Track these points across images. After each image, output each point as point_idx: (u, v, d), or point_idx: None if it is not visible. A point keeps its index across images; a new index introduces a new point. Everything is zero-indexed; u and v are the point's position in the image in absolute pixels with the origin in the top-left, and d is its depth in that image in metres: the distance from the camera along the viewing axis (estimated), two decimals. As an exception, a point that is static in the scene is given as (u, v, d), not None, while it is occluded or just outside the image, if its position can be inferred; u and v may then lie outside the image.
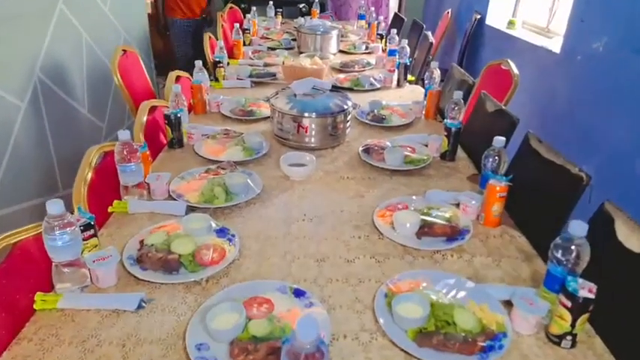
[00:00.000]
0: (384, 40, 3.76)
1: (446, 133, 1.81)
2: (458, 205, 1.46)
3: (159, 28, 4.38)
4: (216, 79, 2.65)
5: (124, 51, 2.66)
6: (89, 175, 1.36)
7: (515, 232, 1.37)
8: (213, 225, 1.27)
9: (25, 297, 1.02)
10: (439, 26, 5.02)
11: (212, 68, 2.64)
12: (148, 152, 1.47)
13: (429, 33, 3.49)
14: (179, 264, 1.12)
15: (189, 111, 2.25)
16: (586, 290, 0.90)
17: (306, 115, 1.82)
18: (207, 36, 3.19)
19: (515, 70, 2.55)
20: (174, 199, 1.44)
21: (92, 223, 1.11)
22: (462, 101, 1.78)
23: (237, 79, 2.71)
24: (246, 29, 3.68)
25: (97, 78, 3.09)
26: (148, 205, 1.38)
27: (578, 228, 0.95)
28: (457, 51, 4.66)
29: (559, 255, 0.97)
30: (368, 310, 1.05)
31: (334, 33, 3.49)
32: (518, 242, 1.33)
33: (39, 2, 2.48)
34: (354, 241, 1.31)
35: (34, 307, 1.02)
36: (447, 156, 1.83)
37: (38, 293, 1.03)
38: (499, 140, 1.43)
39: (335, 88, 2.01)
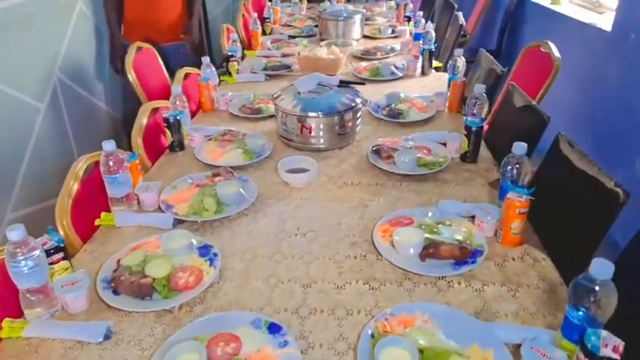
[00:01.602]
0: (410, 23, 3.52)
1: (466, 132, 1.62)
2: (474, 218, 1.29)
3: (113, 59, 2.85)
4: (230, 74, 2.55)
5: (140, 48, 2.61)
6: (75, 187, 1.30)
7: (540, 253, 1.19)
8: (195, 242, 1.18)
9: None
10: (477, 4, 4.67)
11: (220, 63, 2.54)
12: (137, 161, 1.39)
13: (460, 14, 3.22)
14: (152, 289, 1.04)
15: (198, 109, 2.18)
16: (610, 348, 0.73)
17: (310, 114, 1.68)
18: (224, 27, 3.09)
19: (557, 53, 2.28)
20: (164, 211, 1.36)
21: (62, 245, 1.04)
22: (485, 96, 1.58)
23: (251, 72, 2.60)
24: (267, 18, 3.55)
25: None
26: (134, 219, 1.31)
27: (601, 268, 0.77)
28: (496, 31, 4.31)
29: (578, 298, 0.80)
30: (351, 351, 0.92)
31: (357, 18, 3.29)
32: (542, 267, 1.15)
33: (57, 2, 2.46)
34: (348, 261, 1.18)
35: (0, 334, 0.97)
36: (468, 157, 1.64)
37: (6, 320, 0.98)
38: (520, 146, 1.24)
39: (343, 83, 1.85)
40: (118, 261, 1.12)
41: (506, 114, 1.80)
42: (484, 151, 1.71)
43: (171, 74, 2.48)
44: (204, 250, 1.17)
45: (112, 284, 1.06)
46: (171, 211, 1.34)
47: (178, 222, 1.32)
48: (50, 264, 1.02)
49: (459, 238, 1.20)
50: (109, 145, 1.26)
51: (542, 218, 1.27)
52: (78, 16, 2.63)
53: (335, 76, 1.89)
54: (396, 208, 1.38)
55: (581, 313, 0.80)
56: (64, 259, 1.05)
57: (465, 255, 1.15)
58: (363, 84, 1.96)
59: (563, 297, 1.04)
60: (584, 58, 2.96)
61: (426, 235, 1.19)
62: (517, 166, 1.25)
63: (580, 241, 1.15)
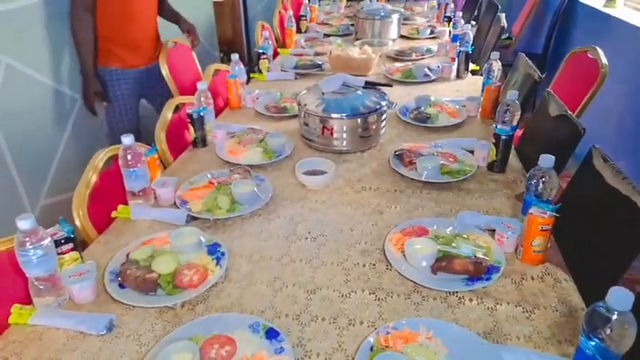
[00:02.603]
0: (450, 24, 3.41)
1: (494, 141, 1.54)
2: (495, 231, 1.22)
3: (85, 96, 2.25)
4: (260, 71, 2.56)
5: (175, 42, 2.66)
6: (93, 179, 1.33)
7: (562, 274, 1.11)
8: (204, 240, 1.18)
9: (5, 308, 1.01)
10: (525, 5, 4.47)
11: (256, 60, 2.55)
12: (155, 156, 1.42)
13: (503, 15, 3.08)
14: (156, 285, 1.05)
15: (226, 106, 2.19)
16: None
17: (332, 115, 1.65)
18: (259, 24, 3.10)
19: (604, 60, 2.14)
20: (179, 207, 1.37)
21: (72, 236, 1.07)
22: (517, 103, 1.50)
23: (282, 70, 2.59)
24: (303, 15, 3.54)
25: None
26: (149, 213, 1.33)
27: (619, 297, 0.70)
28: (543, 34, 4.11)
29: (592, 328, 0.73)
30: (348, 364, 0.89)
31: (395, 17, 3.23)
32: (563, 289, 1.07)
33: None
34: (357, 269, 1.14)
35: (9, 320, 1.00)
36: (495, 167, 1.56)
37: (15, 305, 1.02)
38: (547, 159, 1.15)
39: (369, 85, 1.81)
40: (127, 255, 1.13)
41: (540, 122, 1.70)
42: (514, 161, 1.62)
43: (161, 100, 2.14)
44: (213, 249, 1.17)
45: (119, 277, 1.07)
46: (185, 207, 1.35)
47: (192, 218, 1.33)
48: (60, 254, 1.05)
49: (476, 252, 1.14)
50: (128, 139, 1.28)
51: (568, 236, 1.19)
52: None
53: (361, 77, 1.84)
54: (412, 217, 1.34)
55: (593, 343, 0.74)
56: (73, 249, 1.07)
57: (479, 271, 1.09)
58: (390, 86, 1.91)
59: (583, 324, 0.97)
60: (636, 66, 2.76)
61: (440, 248, 1.14)
62: (543, 179, 1.17)
63: (607, 264, 1.06)
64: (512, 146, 1.60)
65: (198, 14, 3.85)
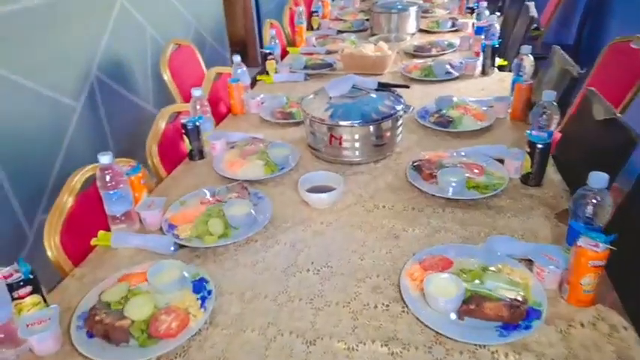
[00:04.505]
0: (474, 15, 3.17)
1: (529, 150, 1.33)
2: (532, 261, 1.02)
3: None
4: (267, 73, 2.39)
5: (178, 45, 2.52)
6: (69, 202, 1.18)
7: (619, 319, 0.90)
8: (188, 276, 1.01)
9: None
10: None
11: (262, 60, 2.38)
12: (140, 175, 1.26)
13: (532, 4, 2.82)
14: (128, 334, 0.89)
15: (228, 112, 2.03)
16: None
17: (340, 123, 1.47)
18: (268, 23, 2.93)
19: (650, 51, 1.89)
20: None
21: (30, 277, 0.92)
22: (555, 105, 1.28)
23: (290, 71, 2.42)
24: (315, 11, 3.35)
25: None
26: (131, 240, 1.17)
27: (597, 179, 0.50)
28: (575, 24, 3.81)
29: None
30: None
31: (413, 10, 3.01)
32: (622, 339, 0.86)
33: (98, -1, 2.43)
34: (367, 312, 0.96)
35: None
36: (530, 180, 1.35)
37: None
38: (598, 178, 0.94)
39: (383, 86, 1.61)
40: (100, 294, 0.98)
41: (583, 126, 1.48)
42: (552, 172, 1.41)
43: None
44: (199, 285, 1.01)
45: (88, 324, 0.92)
46: (173, 232, 1.19)
47: (180, 246, 1.17)
48: (17, 298, 0.90)
49: (511, 291, 0.94)
50: (105, 158, 1.13)
51: (623, 268, 0.98)
52: (119, 12, 2.58)
53: (373, 78, 1.65)
54: (433, 243, 1.14)
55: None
56: (33, 292, 0.92)
57: (516, 317, 0.90)
58: (407, 87, 1.71)
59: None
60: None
61: (467, 286, 0.95)
62: (594, 201, 0.96)
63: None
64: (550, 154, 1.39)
65: (208, 12, 3.71)
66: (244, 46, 5.02)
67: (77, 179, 1.21)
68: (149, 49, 2.90)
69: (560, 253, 1.01)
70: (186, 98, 2.31)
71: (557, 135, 1.83)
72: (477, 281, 0.97)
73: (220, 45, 3.99)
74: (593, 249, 0.88)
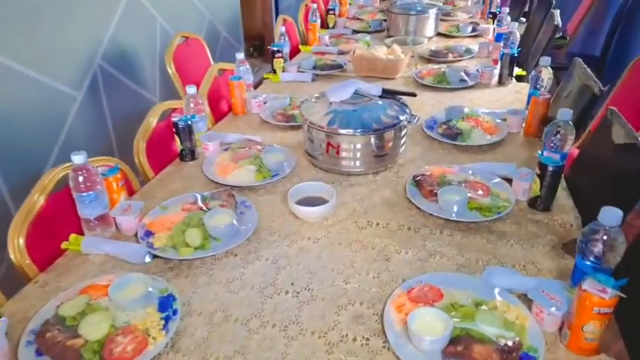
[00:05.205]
0: (495, 20, 3.03)
1: (538, 171, 1.22)
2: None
3: None
4: (274, 71, 2.30)
5: (185, 38, 2.46)
6: (39, 202, 1.12)
7: (625, 373, 0.80)
8: (155, 292, 0.94)
9: None
10: (583, 1, 3.99)
11: (270, 58, 2.30)
12: (118, 176, 1.19)
13: (557, 12, 2.68)
14: (79, 356, 0.82)
15: (230, 110, 1.96)
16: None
17: (339, 131, 1.38)
18: (280, 19, 2.85)
19: (681, 68, 1.75)
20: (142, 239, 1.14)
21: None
22: (571, 125, 1.17)
23: (298, 70, 2.33)
24: (331, 9, 3.25)
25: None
26: (103, 246, 1.11)
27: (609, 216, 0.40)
28: (603, 35, 3.63)
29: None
30: None
31: (432, 13, 2.89)
32: (627, 400, 0.76)
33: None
34: (344, 345, 0.87)
35: None
36: (538, 205, 1.25)
37: None
38: (611, 215, 0.83)
39: (387, 94, 1.52)
40: (58, 307, 0.91)
41: (601, 148, 1.36)
42: (563, 196, 1.29)
43: None
44: (165, 303, 0.93)
45: (38, 340, 0.85)
46: (147, 240, 1.12)
47: (154, 256, 1.09)
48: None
49: (504, 333, 0.85)
50: (79, 157, 1.06)
51: (635, 318, 0.87)
52: (128, 1, 2.52)
53: (380, 84, 1.55)
54: (425, 269, 1.05)
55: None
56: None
57: (508, 364, 0.80)
58: (414, 95, 1.61)
59: None
60: None
61: (457, 323, 0.85)
62: (604, 239, 0.85)
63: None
64: (562, 176, 1.28)
65: (223, 4, 3.64)
66: (262, 40, 4.94)
67: (51, 178, 1.14)
68: (158, 41, 2.84)
69: (564, 292, 0.90)
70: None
71: (574, 151, 1.71)
72: (468, 317, 0.87)
73: (235, 39, 3.92)
74: (600, 295, 0.78)
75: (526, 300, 0.93)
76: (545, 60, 1.64)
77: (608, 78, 2.84)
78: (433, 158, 1.53)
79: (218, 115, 1.93)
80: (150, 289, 0.93)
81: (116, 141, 2.50)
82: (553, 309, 0.87)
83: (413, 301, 0.93)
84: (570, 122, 1.17)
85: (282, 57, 2.29)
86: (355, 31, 3.11)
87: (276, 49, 2.27)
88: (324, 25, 3.26)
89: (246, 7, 4.30)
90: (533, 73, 1.68)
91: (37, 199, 1.10)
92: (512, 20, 2.63)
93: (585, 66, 1.67)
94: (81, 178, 1.07)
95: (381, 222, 1.22)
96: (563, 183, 1.33)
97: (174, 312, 0.91)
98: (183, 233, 1.11)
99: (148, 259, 1.08)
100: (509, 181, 1.34)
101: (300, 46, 2.80)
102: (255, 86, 2.27)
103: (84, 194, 1.08)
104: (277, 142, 1.61)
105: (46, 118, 2.02)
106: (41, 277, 1.04)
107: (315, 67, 2.36)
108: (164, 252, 1.08)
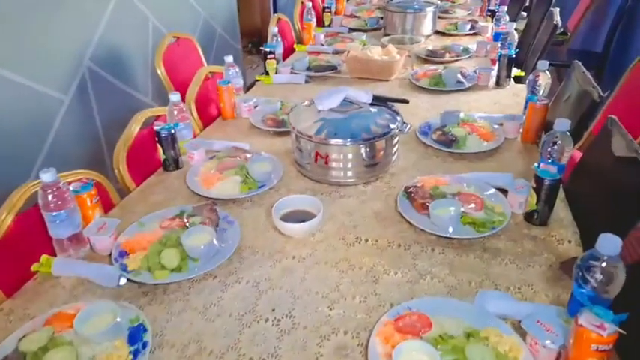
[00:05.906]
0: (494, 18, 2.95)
1: (535, 185, 1.16)
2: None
3: None
4: (267, 73, 2.24)
5: (177, 38, 2.39)
6: (7, 222, 1.06)
7: (626, 414, 0.74)
8: (124, 322, 0.89)
9: None
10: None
11: (262, 59, 2.23)
12: (93, 192, 1.13)
13: (557, 10, 2.59)
14: (41, 394, 0.77)
15: (218, 115, 1.89)
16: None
17: (327, 140, 1.31)
18: (274, 18, 2.78)
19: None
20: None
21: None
22: (568, 136, 1.10)
23: (292, 72, 2.26)
24: (327, 7, 3.17)
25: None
26: (75, 268, 1.05)
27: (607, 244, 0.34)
28: (605, 31, 3.54)
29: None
30: None
31: (429, 10, 2.81)
32: None
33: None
34: (324, 381, 0.82)
35: None
36: (535, 219, 1.19)
37: None
38: (609, 243, 0.76)
39: (378, 100, 1.45)
40: (20, 339, 0.85)
41: (600, 160, 1.29)
42: (560, 209, 1.23)
43: None
44: (135, 335, 0.87)
45: (-1, 376, 0.80)
46: (122, 261, 1.06)
47: (128, 278, 1.04)
48: None
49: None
50: (47, 175, 1.00)
51: (636, 347, 0.81)
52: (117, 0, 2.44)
53: (370, 90, 1.49)
54: (415, 293, 0.99)
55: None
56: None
57: (499, 406, 0.74)
58: (406, 102, 1.54)
59: None
60: None
61: (445, 356, 0.80)
62: (602, 267, 0.78)
63: None
64: (560, 187, 1.21)
65: (218, 1, 3.56)
66: (260, 36, 4.86)
67: (21, 194, 1.08)
68: (151, 41, 2.76)
69: (560, 321, 0.84)
70: (182, 96, 2.18)
71: (577, 154, 1.65)
72: (456, 352, 0.81)
73: (232, 36, 3.84)
74: (598, 331, 0.72)
75: (521, 327, 0.87)
76: (543, 64, 1.57)
77: (610, 75, 2.76)
78: (427, 167, 1.47)
79: (207, 119, 1.87)
80: (118, 319, 0.87)
81: (106, 145, 2.43)
82: (548, 342, 0.81)
83: (400, 331, 0.87)
84: (567, 133, 1.11)
85: (274, 58, 2.22)
86: (352, 30, 3.03)
87: (268, 50, 2.20)
88: (320, 24, 3.18)
89: (243, 3, 4.22)
90: (530, 77, 1.61)
91: (5, 219, 1.05)
92: (511, 17, 2.56)
93: (584, 69, 1.60)
94: (50, 197, 1.01)
95: (371, 238, 1.17)
96: (561, 194, 1.27)
97: (144, 345, 0.86)
98: (159, 254, 1.05)
99: (122, 281, 1.02)
100: (505, 192, 1.28)
101: (295, 46, 2.72)
102: (249, 87, 2.21)
103: (54, 214, 1.02)
104: (266, 149, 1.55)
105: (31, 123, 1.96)
106: (7, 304, 0.98)
107: (309, 68, 2.29)
108: (138, 275, 1.02)
